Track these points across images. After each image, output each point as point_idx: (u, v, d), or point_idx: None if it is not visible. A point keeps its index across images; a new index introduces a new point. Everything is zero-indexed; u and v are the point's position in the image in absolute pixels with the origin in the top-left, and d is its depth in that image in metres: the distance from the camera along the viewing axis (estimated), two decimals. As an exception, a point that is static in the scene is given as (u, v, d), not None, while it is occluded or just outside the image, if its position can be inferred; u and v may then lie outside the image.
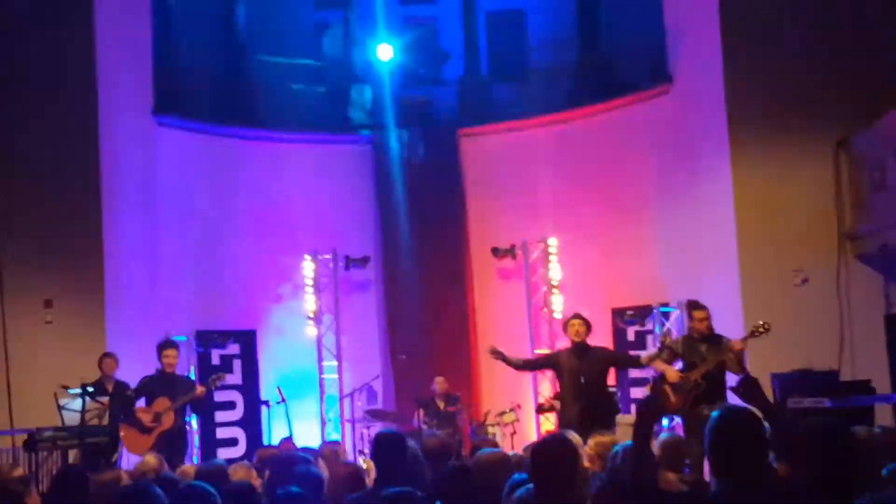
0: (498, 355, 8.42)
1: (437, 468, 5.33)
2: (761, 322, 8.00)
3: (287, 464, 5.28)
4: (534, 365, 9.44)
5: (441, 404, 10.92)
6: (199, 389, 8.90)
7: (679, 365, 8.40)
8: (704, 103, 10.78)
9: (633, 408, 10.73)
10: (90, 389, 8.55)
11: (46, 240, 10.24)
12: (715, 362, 8.04)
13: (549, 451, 4.43)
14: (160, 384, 8.85)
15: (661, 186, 11.51)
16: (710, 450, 3.62)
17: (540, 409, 11.58)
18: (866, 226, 9.66)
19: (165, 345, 9.06)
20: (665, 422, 8.81)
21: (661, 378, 8.38)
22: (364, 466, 8.03)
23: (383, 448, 4.93)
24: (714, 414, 3.53)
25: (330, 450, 7.33)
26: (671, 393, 8.20)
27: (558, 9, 13.53)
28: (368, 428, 11.42)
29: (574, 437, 5.59)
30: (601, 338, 11.78)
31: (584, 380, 8.23)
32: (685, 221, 11.15)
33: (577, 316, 8.55)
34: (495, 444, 8.58)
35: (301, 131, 12.95)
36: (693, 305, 8.45)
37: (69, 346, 9.99)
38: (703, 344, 8.23)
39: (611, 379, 11.29)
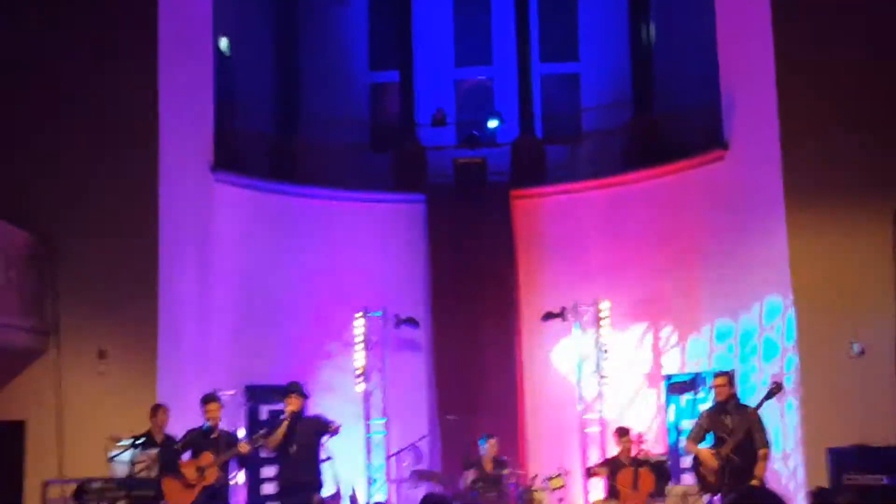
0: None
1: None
2: (774, 383, 7.96)
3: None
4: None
5: (489, 466, 10.78)
6: (243, 446, 8.88)
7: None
8: (760, 170, 10.70)
9: (683, 478, 10.52)
10: (139, 441, 8.61)
11: (103, 291, 10.36)
12: (742, 433, 7.91)
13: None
14: (204, 438, 8.85)
15: (714, 253, 11.40)
16: None
17: (589, 474, 11.38)
18: (924, 296, 9.46)
19: (208, 398, 9.05)
20: (705, 500, 8.58)
21: (696, 460, 8.25)
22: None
23: None
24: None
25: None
26: (707, 473, 8.08)
27: (613, 72, 13.64)
28: (415, 488, 11.31)
29: None
30: (653, 404, 11.67)
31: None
32: (739, 290, 10.99)
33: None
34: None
35: (354, 189, 13.09)
36: (719, 374, 8.40)
37: (121, 397, 10.05)
38: (726, 415, 8.09)
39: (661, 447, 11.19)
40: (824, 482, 8.55)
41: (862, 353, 9.73)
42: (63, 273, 10.34)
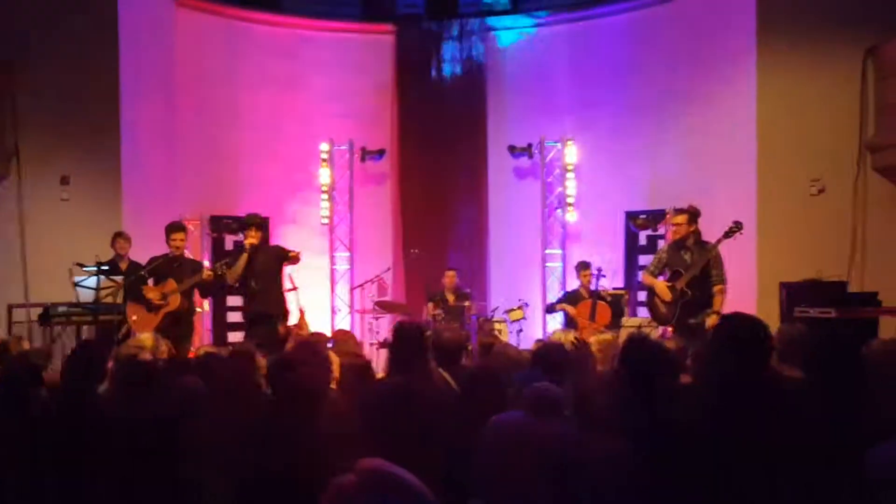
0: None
1: (447, 363, 5.40)
2: (734, 222, 8.04)
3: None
4: None
5: (451, 298, 11.00)
6: (206, 273, 8.93)
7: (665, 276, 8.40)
8: (732, 1, 10.51)
9: (639, 311, 10.79)
10: (105, 267, 8.66)
11: (65, 117, 10.18)
12: (699, 268, 8.04)
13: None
14: (168, 265, 8.91)
15: (681, 88, 11.28)
16: (715, 353, 3.67)
17: (550, 310, 11.64)
18: (888, 138, 9.47)
19: (173, 227, 9.05)
20: (658, 332, 8.83)
21: (651, 292, 8.41)
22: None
23: (402, 338, 4.97)
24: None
25: (344, 336, 7.42)
26: (660, 304, 8.25)
27: None
28: (377, 319, 11.55)
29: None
30: (614, 241, 11.85)
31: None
32: (705, 125, 10.97)
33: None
34: (506, 344, 8.67)
35: (322, 17, 12.75)
36: (679, 211, 8.41)
37: (85, 223, 10.03)
38: (686, 251, 8.20)
39: (619, 281, 11.42)
40: (776, 315, 8.77)
41: (821, 191, 9.84)
42: (23, 101, 10.13)
